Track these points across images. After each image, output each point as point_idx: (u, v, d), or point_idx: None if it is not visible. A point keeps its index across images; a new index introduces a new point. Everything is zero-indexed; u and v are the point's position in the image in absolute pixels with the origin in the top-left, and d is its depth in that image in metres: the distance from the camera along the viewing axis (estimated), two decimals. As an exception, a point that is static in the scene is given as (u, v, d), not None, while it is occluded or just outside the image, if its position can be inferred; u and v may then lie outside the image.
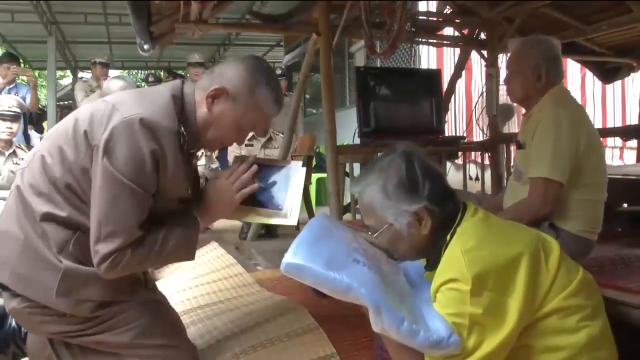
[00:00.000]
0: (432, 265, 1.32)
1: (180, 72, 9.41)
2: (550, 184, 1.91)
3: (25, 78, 6.09)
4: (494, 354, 1.18)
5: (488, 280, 1.19)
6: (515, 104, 3.69)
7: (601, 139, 2.17)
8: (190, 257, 1.65)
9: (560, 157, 1.91)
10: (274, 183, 1.70)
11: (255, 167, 1.67)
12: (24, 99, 5.68)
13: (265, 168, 1.72)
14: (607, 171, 2.09)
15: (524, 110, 2.26)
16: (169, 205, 1.62)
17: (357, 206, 4.43)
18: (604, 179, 2.07)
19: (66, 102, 5.96)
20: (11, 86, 5.52)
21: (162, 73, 7.80)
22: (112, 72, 6.91)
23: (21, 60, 10.85)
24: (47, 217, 1.53)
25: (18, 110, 4.00)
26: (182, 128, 1.56)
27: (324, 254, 1.26)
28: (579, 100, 7.16)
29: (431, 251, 1.34)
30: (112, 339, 1.63)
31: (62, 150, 1.54)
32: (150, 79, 6.82)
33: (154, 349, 1.66)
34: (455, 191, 1.39)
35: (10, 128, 3.96)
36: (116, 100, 1.56)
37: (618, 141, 7.03)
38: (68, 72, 12.52)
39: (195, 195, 1.75)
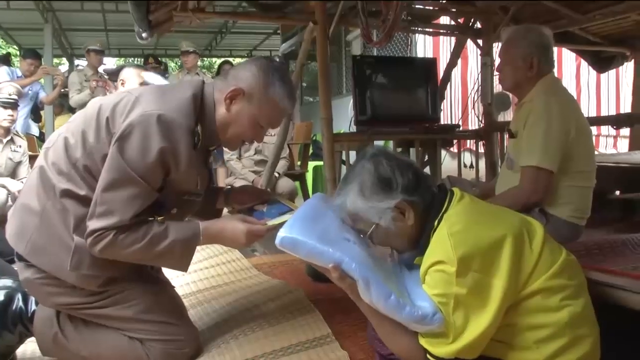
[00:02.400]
0: (421, 250, 1.37)
1: (162, 59, 9.37)
2: (541, 172, 1.96)
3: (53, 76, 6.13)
4: (482, 335, 1.22)
5: (473, 261, 1.23)
6: (511, 94, 3.73)
7: (594, 127, 2.22)
8: (183, 267, 1.70)
9: (551, 145, 1.96)
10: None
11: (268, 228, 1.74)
12: (37, 93, 5.73)
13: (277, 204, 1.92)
14: (600, 159, 2.15)
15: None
16: (176, 198, 1.70)
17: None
18: (593, 167, 2.12)
19: (63, 90, 5.95)
20: None
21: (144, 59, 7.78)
22: (107, 60, 6.91)
23: (16, 47, 10.84)
24: (67, 194, 1.63)
25: (17, 98, 4.02)
26: (199, 127, 1.65)
27: (317, 230, 1.34)
28: (574, 89, 7.22)
29: (422, 238, 1.39)
30: (117, 313, 1.72)
31: (85, 134, 1.64)
32: (151, 60, 6.86)
33: (155, 324, 1.74)
34: (429, 177, 1.45)
35: (12, 115, 3.98)
36: (140, 94, 1.65)
37: (612, 130, 7.08)
38: (64, 60, 12.48)
39: (205, 191, 1.84)
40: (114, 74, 5.20)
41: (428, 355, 1.27)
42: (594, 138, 7.49)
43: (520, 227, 1.33)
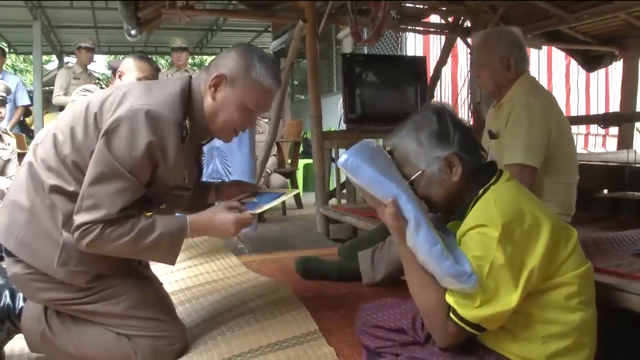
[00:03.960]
0: (460, 214, 1.38)
1: (152, 56, 9.34)
2: (525, 169, 1.98)
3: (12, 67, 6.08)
4: (508, 309, 1.23)
5: (514, 233, 1.24)
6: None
7: (583, 126, 2.26)
8: (171, 260, 1.70)
9: (534, 143, 1.98)
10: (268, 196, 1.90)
11: (254, 214, 1.76)
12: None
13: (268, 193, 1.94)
14: (588, 158, 2.17)
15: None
16: (164, 191, 1.70)
17: (344, 191, 4.46)
18: (574, 163, 2.15)
19: (52, 87, 5.92)
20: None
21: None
22: (98, 57, 6.88)
23: (5, 45, 10.76)
24: (56, 190, 1.63)
25: (4, 94, 3.99)
26: (187, 121, 1.65)
27: (377, 164, 1.34)
28: (564, 88, 7.27)
29: (461, 201, 1.40)
30: (105, 309, 1.72)
31: (73, 130, 1.64)
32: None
33: (143, 321, 1.74)
34: (484, 149, 1.47)
35: (0, 113, 3.95)
36: (128, 89, 1.66)
37: (601, 129, 7.14)
38: (54, 57, 12.41)
39: (196, 185, 1.85)
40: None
41: (452, 314, 1.28)
42: (583, 137, 7.55)
43: (559, 222, 1.35)
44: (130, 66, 2.73)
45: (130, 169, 1.55)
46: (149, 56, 7.85)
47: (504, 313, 1.25)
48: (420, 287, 1.34)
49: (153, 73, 2.80)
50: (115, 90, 1.69)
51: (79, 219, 1.55)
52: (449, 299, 1.29)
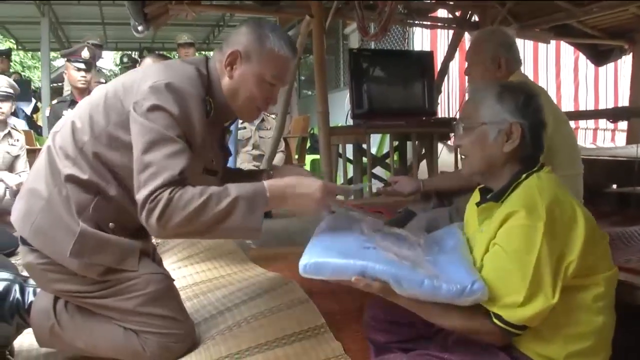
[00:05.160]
0: (497, 195, 1.36)
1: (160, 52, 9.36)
2: None
3: None
4: (550, 303, 1.21)
5: (556, 223, 1.23)
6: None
7: (592, 120, 2.26)
8: (255, 232, 1.52)
9: None
10: None
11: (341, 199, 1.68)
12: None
13: None
14: (597, 153, 2.16)
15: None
16: (192, 174, 1.56)
17: (351, 186, 4.43)
18: (576, 153, 2.16)
19: (60, 84, 5.96)
20: None
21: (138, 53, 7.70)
22: (106, 54, 6.90)
23: (13, 41, 10.80)
24: (71, 179, 1.62)
25: (10, 90, 4.02)
26: (209, 97, 1.63)
27: (336, 247, 1.32)
28: (572, 83, 7.23)
29: (494, 176, 1.39)
30: (116, 304, 1.72)
31: (92, 118, 1.64)
32: (125, 59, 6.75)
33: (154, 318, 1.73)
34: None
35: (1, 108, 3.98)
36: (145, 71, 1.66)
37: (610, 123, 7.09)
38: (61, 53, 12.45)
39: (222, 171, 1.81)
40: None
41: (496, 320, 1.23)
42: (592, 132, 7.50)
43: (593, 221, 1.32)
44: (149, 63, 2.84)
45: (174, 133, 1.49)
46: (157, 52, 7.88)
47: (547, 308, 1.21)
48: (441, 317, 1.29)
49: None
50: (134, 74, 1.69)
51: (142, 193, 1.44)
52: (491, 305, 1.24)
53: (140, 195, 1.45)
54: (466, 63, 2.25)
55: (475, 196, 1.51)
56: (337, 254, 1.29)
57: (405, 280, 1.23)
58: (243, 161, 4.54)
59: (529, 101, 1.39)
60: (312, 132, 6.61)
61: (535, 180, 1.32)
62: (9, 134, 4.08)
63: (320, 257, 1.29)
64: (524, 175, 1.35)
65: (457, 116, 1.42)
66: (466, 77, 2.30)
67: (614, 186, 3.77)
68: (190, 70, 1.63)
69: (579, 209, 1.28)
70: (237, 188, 1.48)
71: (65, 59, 4.32)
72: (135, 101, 1.54)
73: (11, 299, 1.83)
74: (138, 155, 1.49)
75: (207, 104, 1.61)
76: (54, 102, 4.51)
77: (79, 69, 4.06)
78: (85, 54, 4.06)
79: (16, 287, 1.85)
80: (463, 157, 1.47)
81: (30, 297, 1.85)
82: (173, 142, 1.49)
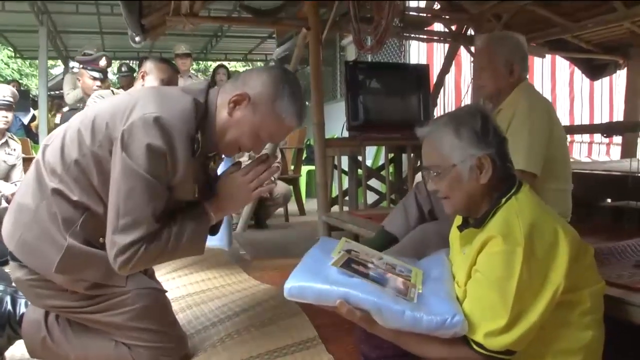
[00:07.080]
0: (478, 223, 1.36)
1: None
2: (526, 176, 1.98)
3: None
4: (536, 324, 1.22)
5: (536, 246, 1.23)
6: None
7: (587, 135, 2.29)
8: (200, 251, 1.67)
9: (535, 149, 1.99)
10: None
11: (275, 166, 1.70)
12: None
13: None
14: (592, 167, 2.18)
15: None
16: (174, 204, 1.62)
17: (346, 198, 4.42)
18: (569, 170, 2.18)
19: (57, 92, 5.98)
20: None
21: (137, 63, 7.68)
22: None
23: (11, 49, 10.81)
24: (58, 193, 1.61)
25: (12, 99, 4.02)
26: (199, 134, 1.58)
27: (321, 275, 1.33)
28: (567, 97, 7.26)
29: (477, 206, 1.39)
30: (107, 319, 1.71)
31: (81, 135, 1.61)
32: (123, 68, 6.75)
33: (145, 332, 1.73)
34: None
35: (6, 117, 3.97)
36: (139, 97, 1.60)
37: (604, 137, 7.12)
38: (59, 62, 12.47)
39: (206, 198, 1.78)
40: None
41: (478, 348, 1.24)
42: (587, 145, 7.52)
43: (576, 236, 1.32)
44: (151, 67, 2.80)
45: (153, 173, 1.50)
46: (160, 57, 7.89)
47: (530, 331, 1.22)
48: (420, 348, 1.31)
49: (172, 74, 2.85)
50: (127, 95, 1.65)
51: (121, 240, 1.50)
52: (472, 334, 1.25)
53: (119, 240, 1.50)
54: (472, 68, 2.22)
55: (458, 219, 1.52)
56: (321, 280, 1.31)
57: (386, 309, 1.24)
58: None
59: (486, 126, 1.38)
60: (308, 143, 6.63)
61: (514, 204, 1.33)
62: (6, 143, 4.06)
63: (304, 282, 1.31)
64: (503, 200, 1.35)
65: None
66: (464, 88, 2.30)
67: (608, 200, 3.78)
68: (185, 102, 1.58)
69: (560, 228, 1.29)
70: (189, 221, 1.61)
71: (81, 66, 4.35)
72: (123, 129, 1.51)
73: (3, 310, 1.83)
74: (119, 200, 1.51)
75: (195, 143, 1.57)
76: (65, 109, 4.51)
77: (94, 78, 4.09)
78: (103, 63, 4.10)
79: (8, 298, 1.85)
80: (442, 198, 1.45)
81: (22, 309, 1.85)
82: (151, 187, 1.50)
